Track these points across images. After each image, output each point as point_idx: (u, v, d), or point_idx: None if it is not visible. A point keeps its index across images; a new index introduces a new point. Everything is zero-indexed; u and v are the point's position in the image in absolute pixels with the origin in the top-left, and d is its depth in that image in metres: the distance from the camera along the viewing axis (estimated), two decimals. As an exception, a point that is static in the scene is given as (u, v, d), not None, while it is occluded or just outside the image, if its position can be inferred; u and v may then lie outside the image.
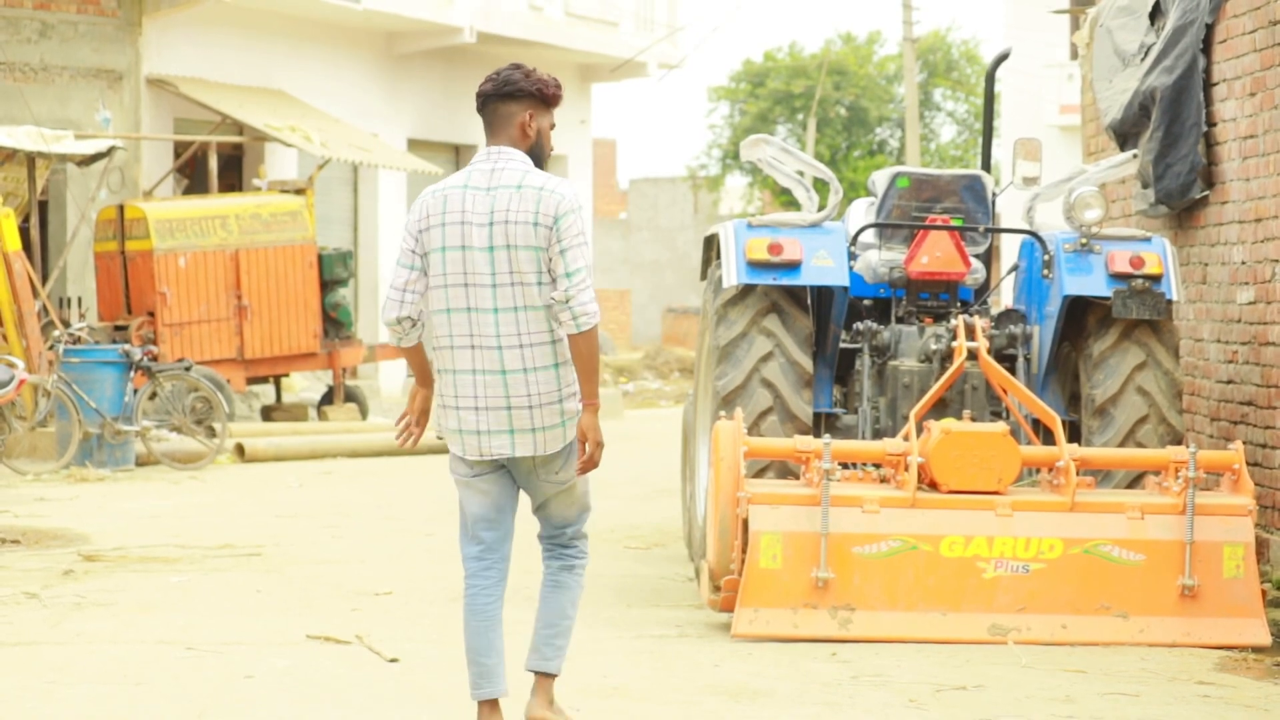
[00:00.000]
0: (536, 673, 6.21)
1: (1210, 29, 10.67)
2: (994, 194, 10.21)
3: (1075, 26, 17.83)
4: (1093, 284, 9.35)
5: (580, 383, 5.98)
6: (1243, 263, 10.24)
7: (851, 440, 9.47)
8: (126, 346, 16.63)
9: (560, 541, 6.25)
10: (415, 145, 25.54)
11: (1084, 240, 9.42)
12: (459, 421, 6.02)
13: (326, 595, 9.30)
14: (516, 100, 6.07)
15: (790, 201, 37.92)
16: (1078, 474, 8.49)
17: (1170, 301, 9.33)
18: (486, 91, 6.09)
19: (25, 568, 10.20)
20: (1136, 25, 11.55)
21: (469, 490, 6.10)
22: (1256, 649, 8.22)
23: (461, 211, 5.99)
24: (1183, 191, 10.80)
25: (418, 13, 24.35)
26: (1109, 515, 8.38)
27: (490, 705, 6.07)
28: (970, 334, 9.40)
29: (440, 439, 6.15)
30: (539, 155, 6.12)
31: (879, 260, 10.05)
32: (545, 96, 6.10)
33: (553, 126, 6.20)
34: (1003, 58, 11.10)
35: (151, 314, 18.69)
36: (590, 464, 6.02)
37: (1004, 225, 10.71)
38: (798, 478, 8.76)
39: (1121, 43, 11.65)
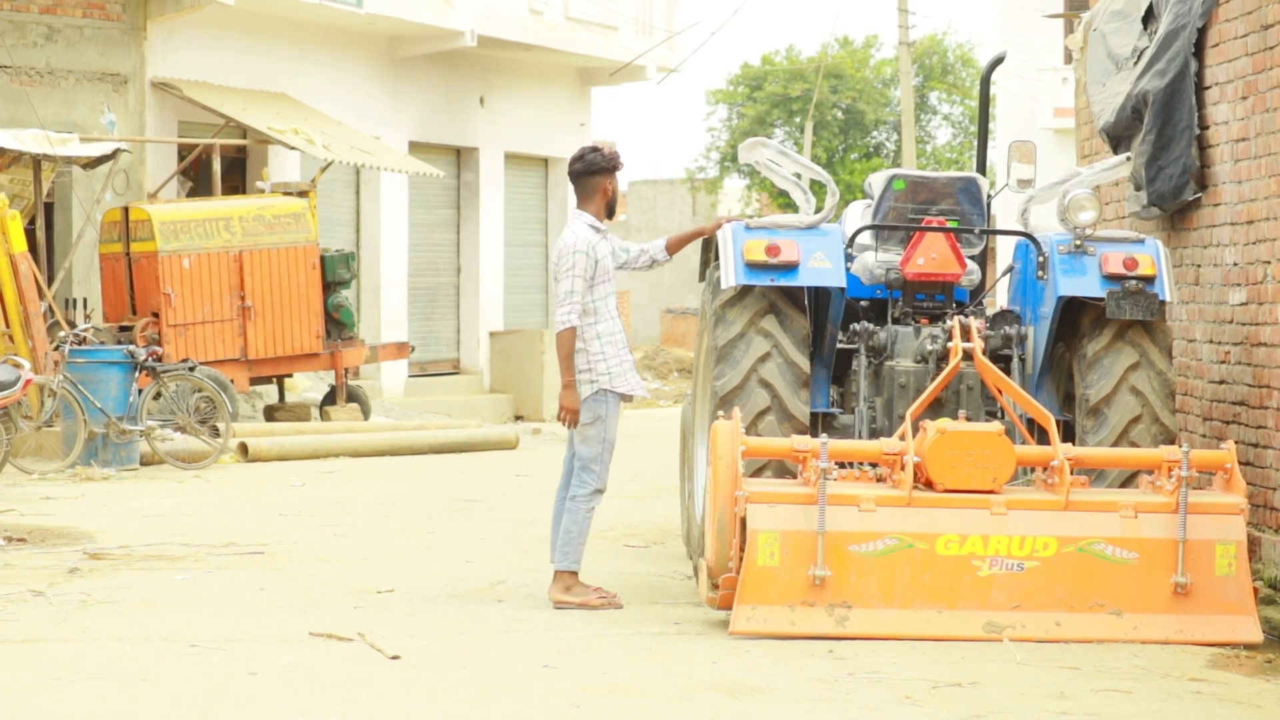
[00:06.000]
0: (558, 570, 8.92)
1: (1202, 33, 10.71)
2: (989, 196, 10.26)
3: (1069, 30, 17.92)
4: (1087, 285, 9.39)
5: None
6: (1235, 264, 10.30)
7: (848, 440, 9.51)
8: (131, 347, 16.71)
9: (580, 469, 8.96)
10: (417, 148, 25.59)
11: (1078, 242, 9.48)
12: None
13: (329, 593, 9.36)
14: (600, 174, 8.80)
15: (788, 204, 37.90)
16: (1072, 473, 8.53)
17: (1163, 302, 9.39)
18: (579, 170, 8.81)
19: (31, 566, 10.27)
20: (1129, 29, 11.59)
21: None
22: (1248, 646, 8.27)
23: None
24: (1175, 194, 10.85)
25: (419, 16, 24.40)
26: (1103, 514, 8.43)
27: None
28: (966, 335, 9.44)
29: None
30: (614, 207, 8.89)
31: (875, 261, 10.10)
32: (617, 167, 8.83)
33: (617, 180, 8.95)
34: (998, 61, 11.17)
35: (156, 315, 18.75)
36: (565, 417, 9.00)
37: (999, 227, 10.78)
38: (795, 477, 8.82)
39: (1115, 46, 11.70)
